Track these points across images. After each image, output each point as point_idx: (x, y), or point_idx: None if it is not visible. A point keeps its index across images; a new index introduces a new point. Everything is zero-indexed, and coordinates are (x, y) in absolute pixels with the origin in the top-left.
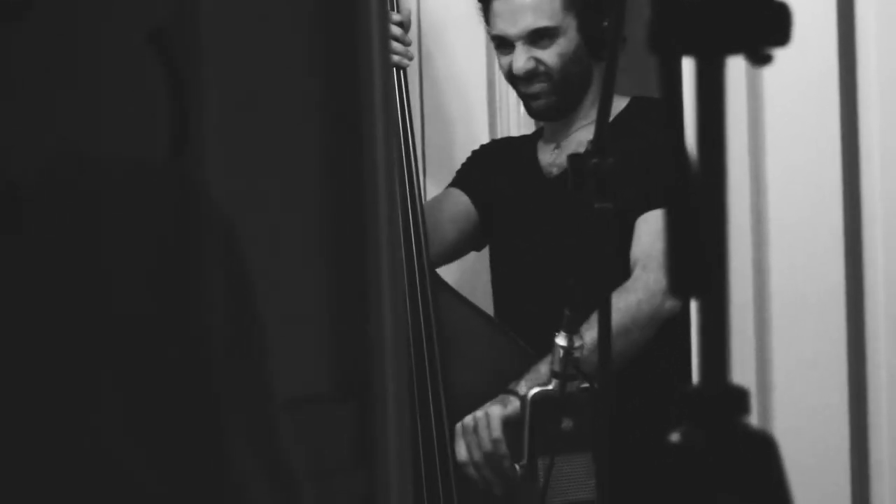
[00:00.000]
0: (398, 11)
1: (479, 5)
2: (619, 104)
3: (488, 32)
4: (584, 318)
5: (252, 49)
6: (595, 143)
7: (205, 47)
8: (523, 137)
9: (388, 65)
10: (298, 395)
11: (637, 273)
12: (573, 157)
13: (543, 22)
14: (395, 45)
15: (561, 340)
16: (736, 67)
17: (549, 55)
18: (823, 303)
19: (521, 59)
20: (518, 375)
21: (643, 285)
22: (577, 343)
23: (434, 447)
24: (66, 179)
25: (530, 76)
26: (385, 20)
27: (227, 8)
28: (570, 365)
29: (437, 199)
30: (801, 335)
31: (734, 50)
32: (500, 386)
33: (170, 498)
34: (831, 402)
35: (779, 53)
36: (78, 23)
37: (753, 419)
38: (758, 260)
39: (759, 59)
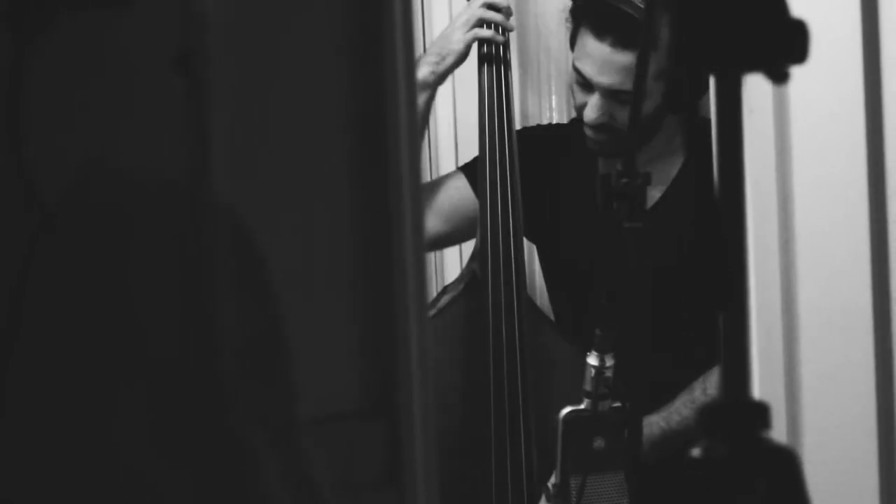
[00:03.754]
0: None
1: (567, 15)
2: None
3: (572, 55)
4: (614, 337)
5: (277, 68)
6: (625, 164)
7: (229, 68)
8: (562, 138)
9: (412, 79)
10: (326, 413)
11: None
12: (603, 178)
13: (631, 85)
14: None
15: (593, 360)
16: (762, 85)
17: (626, 114)
18: (851, 318)
19: (596, 111)
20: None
21: None
22: (608, 363)
23: (522, 472)
24: (96, 194)
25: (599, 128)
26: (410, 35)
27: (251, 30)
28: (601, 384)
29: (439, 185)
30: (830, 350)
31: (752, 68)
32: None
33: None
34: (860, 417)
35: (804, 70)
36: (104, 43)
37: (782, 434)
38: (786, 275)
39: (778, 76)
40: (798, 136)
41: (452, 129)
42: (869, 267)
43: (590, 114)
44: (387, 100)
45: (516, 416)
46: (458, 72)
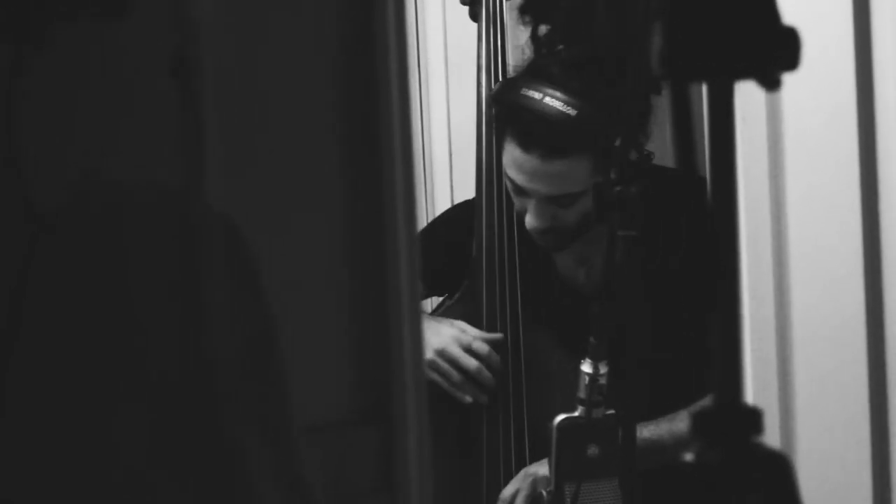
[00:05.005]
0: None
1: (493, 110)
2: None
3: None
4: (608, 346)
5: (270, 74)
6: (619, 173)
7: (223, 73)
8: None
9: (406, 86)
10: (320, 421)
11: None
12: (598, 186)
13: (568, 189)
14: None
15: (587, 367)
16: (755, 92)
17: (570, 214)
18: (844, 324)
19: (537, 220)
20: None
21: None
22: (602, 370)
23: (512, 474)
24: (92, 200)
25: (544, 232)
26: (403, 41)
27: (245, 36)
28: (595, 391)
29: None
30: (823, 356)
31: (744, 75)
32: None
33: None
34: (853, 423)
35: (797, 77)
36: (99, 52)
37: (776, 440)
38: (779, 282)
39: (770, 83)
40: (791, 143)
41: (447, 136)
42: (862, 273)
43: (531, 223)
44: (380, 105)
45: (507, 419)
46: (452, 78)
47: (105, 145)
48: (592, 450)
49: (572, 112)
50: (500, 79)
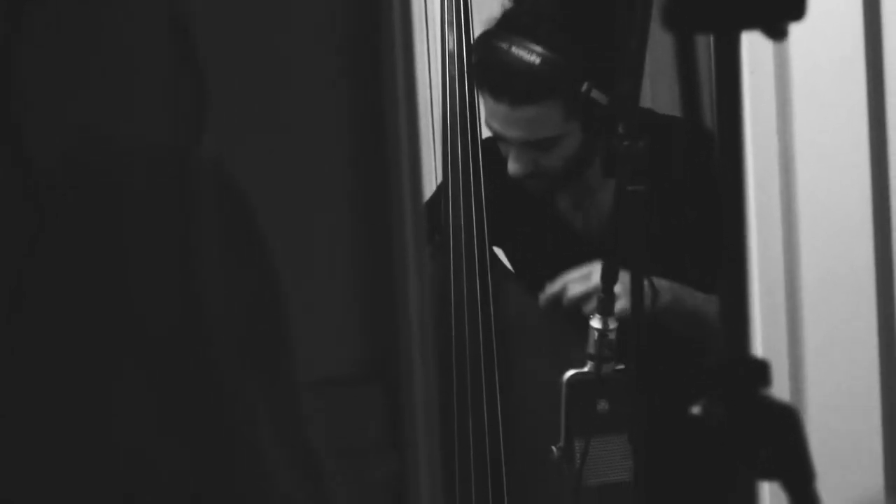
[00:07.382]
0: None
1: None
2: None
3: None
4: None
5: (275, 34)
6: (626, 127)
7: (225, 34)
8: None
9: (410, 59)
10: (326, 377)
11: None
12: (607, 141)
13: (542, 134)
14: None
15: (596, 323)
16: (763, 46)
17: (551, 158)
18: (854, 281)
19: (517, 164)
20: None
21: None
22: (611, 325)
23: (485, 437)
24: (88, 164)
25: (528, 178)
26: (409, 22)
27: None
28: (605, 347)
29: None
30: (832, 313)
31: (750, 25)
32: (560, 374)
33: (198, 485)
34: (863, 380)
35: (805, 31)
36: (98, 9)
37: (785, 393)
38: (787, 239)
39: (776, 33)
40: (799, 95)
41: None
42: (871, 226)
43: (512, 168)
44: (384, 67)
45: (478, 375)
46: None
47: (102, 103)
48: (602, 405)
49: (536, 60)
50: (463, 34)
